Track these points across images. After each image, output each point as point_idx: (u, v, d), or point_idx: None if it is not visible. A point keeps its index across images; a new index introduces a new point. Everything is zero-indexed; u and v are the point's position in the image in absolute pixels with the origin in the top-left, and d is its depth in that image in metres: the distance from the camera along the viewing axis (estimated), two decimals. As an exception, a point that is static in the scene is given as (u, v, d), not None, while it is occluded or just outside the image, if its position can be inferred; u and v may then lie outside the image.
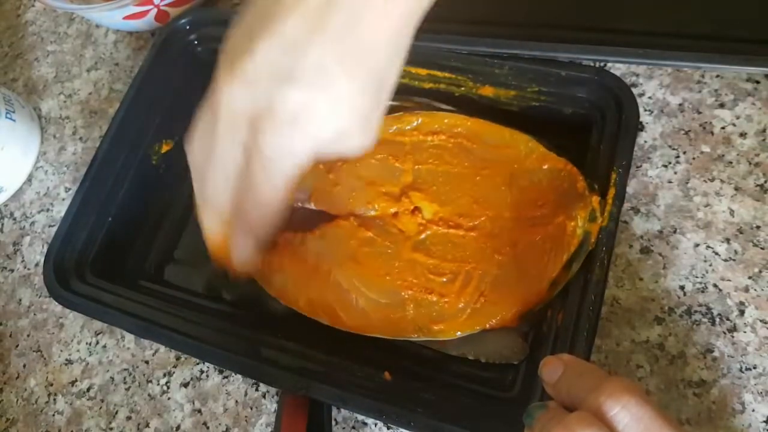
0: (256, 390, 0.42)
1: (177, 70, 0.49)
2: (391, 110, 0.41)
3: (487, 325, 0.36)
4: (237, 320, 0.43)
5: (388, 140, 0.41)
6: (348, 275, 0.38)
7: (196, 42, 0.49)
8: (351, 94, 0.27)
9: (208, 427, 0.42)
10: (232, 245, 0.33)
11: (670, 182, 0.40)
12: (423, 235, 0.39)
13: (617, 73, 0.42)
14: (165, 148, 0.49)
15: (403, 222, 0.39)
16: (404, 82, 0.42)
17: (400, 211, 0.39)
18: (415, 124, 0.41)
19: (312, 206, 0.40)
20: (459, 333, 0.36)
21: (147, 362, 0.45)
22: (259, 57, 0.26)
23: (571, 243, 0.36)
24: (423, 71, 0.42)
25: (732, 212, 0.39)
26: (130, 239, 0.47)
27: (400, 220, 0.39)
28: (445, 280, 0.37)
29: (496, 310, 0.36)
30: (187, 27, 0.49)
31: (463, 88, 0.42)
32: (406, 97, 0.42)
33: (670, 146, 0.41)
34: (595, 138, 0.39)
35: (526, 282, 0.36)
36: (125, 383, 0.45)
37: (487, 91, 0.41)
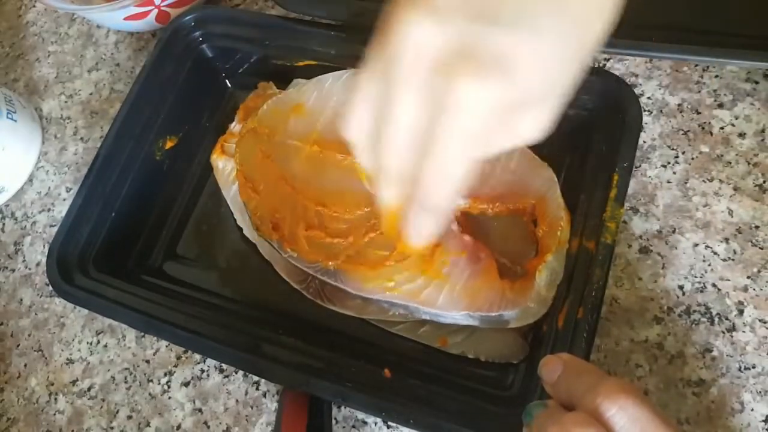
0: (257, 389, 0.42)
1: (181, 67, 0.49)
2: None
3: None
4: (239, 316, 0.43)
5: None
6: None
7: (200, 39, 0.49)
8: (555, 42, 0.22)
9: (208, 427, 0.42)
10: (410, 221, 0.27)
11: (669, 182, 0.41)
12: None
13: (616, 73, 0.42)
14: (169, 144, 0.49)
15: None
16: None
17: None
18: None
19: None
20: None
21: (148, 361, 0.45)
22: None
23: None
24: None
25: (731, 212, 0.39)
26: (133, 234, 0.47)
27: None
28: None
29: None
30: (192, 24, 0.49)
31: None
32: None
33: (669, 146, 0.41)
34: (596, 139, 0.39)
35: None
36: (126, 383, 0.45)
37: None
